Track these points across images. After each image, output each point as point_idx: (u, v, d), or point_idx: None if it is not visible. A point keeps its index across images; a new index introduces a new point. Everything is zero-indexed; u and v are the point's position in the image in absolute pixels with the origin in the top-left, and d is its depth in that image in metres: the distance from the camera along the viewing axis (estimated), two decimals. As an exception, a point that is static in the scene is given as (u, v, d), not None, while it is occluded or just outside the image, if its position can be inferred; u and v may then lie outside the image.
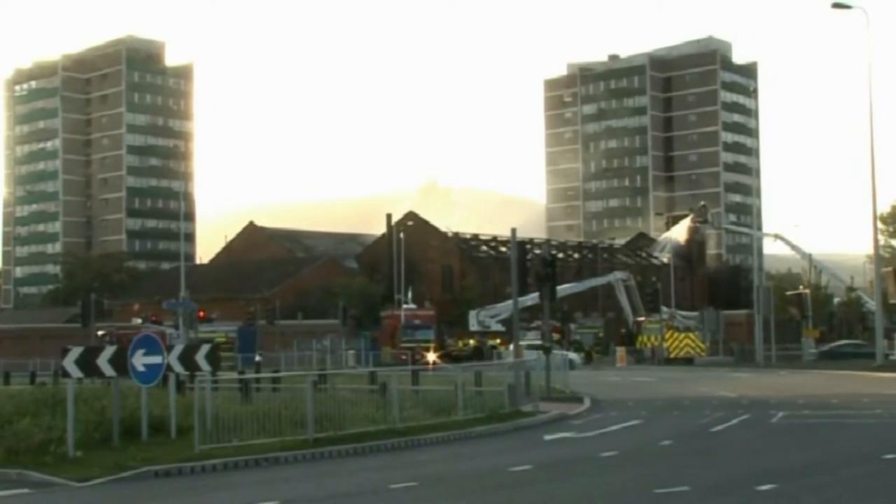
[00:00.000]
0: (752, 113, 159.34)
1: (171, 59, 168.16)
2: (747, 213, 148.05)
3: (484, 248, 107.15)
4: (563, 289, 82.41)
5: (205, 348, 22.14)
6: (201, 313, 57.57)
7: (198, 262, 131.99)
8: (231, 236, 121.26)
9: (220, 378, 25.34)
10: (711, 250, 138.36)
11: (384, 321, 78.89)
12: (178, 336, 52.51)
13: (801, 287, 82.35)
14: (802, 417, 26.44)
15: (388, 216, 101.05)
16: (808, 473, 15.84)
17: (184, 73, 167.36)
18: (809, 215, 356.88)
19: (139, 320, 71.08)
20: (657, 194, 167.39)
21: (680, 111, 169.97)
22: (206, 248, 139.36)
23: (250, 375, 36.37)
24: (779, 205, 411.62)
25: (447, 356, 73.26)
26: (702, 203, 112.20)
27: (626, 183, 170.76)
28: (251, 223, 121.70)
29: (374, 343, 76.50)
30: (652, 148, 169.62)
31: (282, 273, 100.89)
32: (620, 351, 73.51)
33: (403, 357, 66.01)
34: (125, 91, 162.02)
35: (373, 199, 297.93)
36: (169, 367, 21.03)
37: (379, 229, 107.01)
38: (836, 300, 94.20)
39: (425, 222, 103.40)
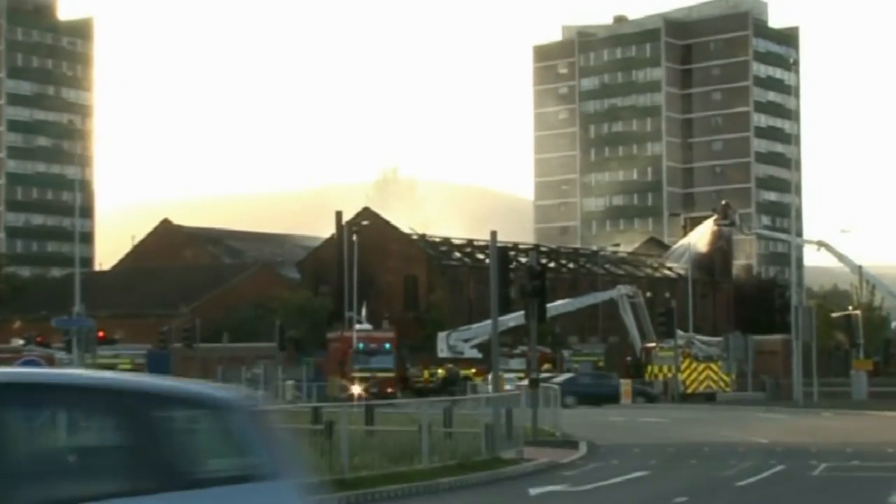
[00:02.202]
0: (791, 91, 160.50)
1: (64, 13, 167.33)
2: (784, 215, 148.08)
3: (457, 254, 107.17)
4: (555, 307, 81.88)
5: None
6: (101, 333, 57.20)
7: (97, 268, 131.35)
8: (140, 237, 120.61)
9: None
10: (739, 260, 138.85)
11: (332, 345, 78.45)
12: (70, 362, 52.14)
13: (850, 307, 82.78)
14: (850, 470, 26.61)
15: (338, 214, 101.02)
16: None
17: (81, 31, 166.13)
18: (861, 218, 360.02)
19: (21, 341, 70.14)
20: (673, 190, 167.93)
21: (702, 87, 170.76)
22: (108, 251, 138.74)
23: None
24: (824, 205, 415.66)
25: (410, 389, 73.52)
26: (723, 202, 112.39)
27: (634, 176, 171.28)
28: (165, 221, 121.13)
29: (318, 372, 76.63)
30: (667, 133, 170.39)
31: (203, 283, 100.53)
32: (625, 384, 73.70)
33: (353, 392, 66.15)
34: (5, 52, 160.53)
35: (319, 192, 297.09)
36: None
37: (326, 230, 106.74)
38: (893, 324, 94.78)
39: (384, 222, 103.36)
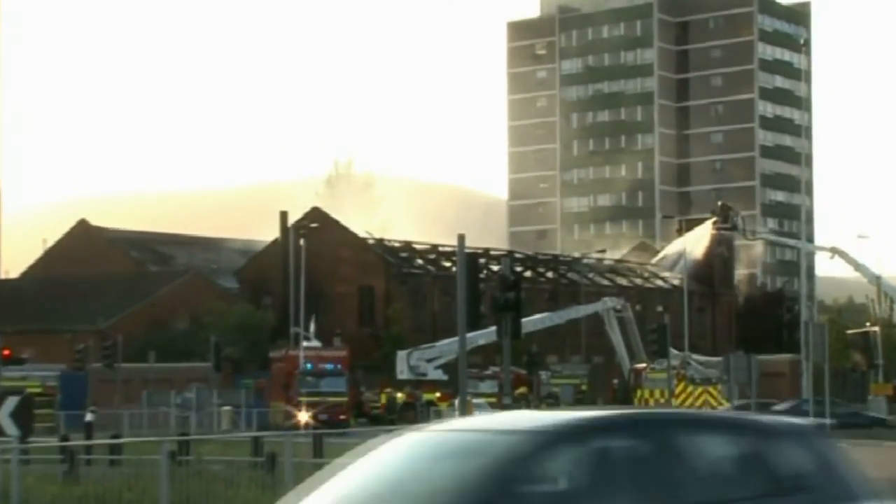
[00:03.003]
0: (801, 75, 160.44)
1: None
2: (793, 218, 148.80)
3: (419, 261, 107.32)
4: (532, 321, 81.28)
5: (10, 402, 21.99)
6: (6, 352, 56.80)
7: (2, 276, 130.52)
8: (52, 241, 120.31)
9: (33, 445, 25.63)
10: (742, 269, 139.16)
11: (275, 365, 77.68)
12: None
13: (867, 323, 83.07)
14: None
15: (283, 215, 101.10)
16: None
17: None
18: (881, 222, 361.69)
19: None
20: (666, 189, 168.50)
21: (701, 71, 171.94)
22: (14, 256, 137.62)
23: (78, 442, 36.66)
24: (838, 207, 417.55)
25: (365, 416, 73.86)
26: (719, 203, 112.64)
27: (623, 172, 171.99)
28: (82, 222, 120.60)
29: (259, 396, 76.77)
30: (660, 123, 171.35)
31: (127, 294, 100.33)
32: (611, 411, 73.95)
33: (299, 419, 66.27)
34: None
35: (261, 189, 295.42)
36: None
37: (269, 233, 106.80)
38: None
39: (336, 224, 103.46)
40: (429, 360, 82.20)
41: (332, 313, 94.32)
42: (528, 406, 64.07)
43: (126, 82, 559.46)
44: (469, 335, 35.91)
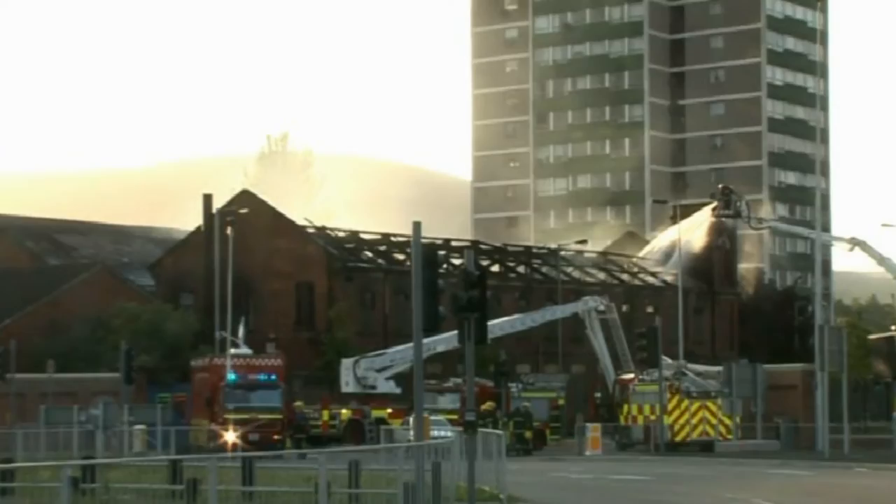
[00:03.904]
0: (816, 36, 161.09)
1: None
2: (806, 204, 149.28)
3: (368, 253, 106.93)
4: (500, 325, 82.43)
5: None
6: None
7: None
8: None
9: None
10: (746, 264, 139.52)
11: (197, 376, 78.28)
12: None
13: (892, 327, 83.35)
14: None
15: (207, 198, 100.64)
16: None
17: None
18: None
19: None
20: (658, 169, 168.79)
21: (698, 31, 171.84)
22: None
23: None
24: (858, 191, 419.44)
25: (303, 436, 72.95)
26: (720, 185, 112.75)
27: (607, 150, 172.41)
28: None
29: (178, 413, 76.88)
30: (651, 92, 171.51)
31: (21, 293, 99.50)
32: (593, 429, 74.01)
33: (226, 440, 66.34)
34: None
35: (180, 169, 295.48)
36: None
37: (190, 221, 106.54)
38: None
39: (270, 210, 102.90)
40: (379, 370, 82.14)
41: (265, 315, 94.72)
42: (495, 424, 63.89)
43: (16, 44, 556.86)
44: (426, 341, 35.93)
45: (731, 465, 59.21)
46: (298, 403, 75.83)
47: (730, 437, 73.56)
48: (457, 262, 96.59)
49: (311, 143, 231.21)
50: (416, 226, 33.98)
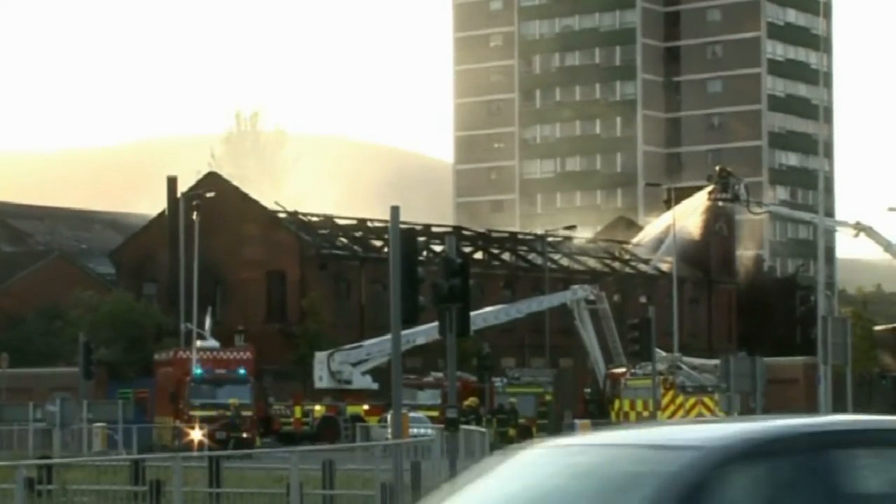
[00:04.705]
0: (819, 9, 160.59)
1: None
2: (809, 187, 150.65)
3: (343, 240, 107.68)
4: (483, 315, 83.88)
5: None
6: None
7: None
8: None
9: None
10: (745, 250, 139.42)
11: (161, 371, 78.91)
12: None
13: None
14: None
15: (171, 181, 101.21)
16: None
17: None
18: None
19: None
20: (650, 150, 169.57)
21: (694, 3, 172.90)
22: None
23: None
24: (864, 173, 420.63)
25: (274, 433, 75.67)
26: (717, 167, 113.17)
27: (597, 129, 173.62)
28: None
29: (141, 410, 77.20)
30: (643, 67, 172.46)
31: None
32: (582, 426, 72.73)
33: (192, 438, 67.42)
34: None
35: (143, 149, 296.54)
36: None
37: (154, 205, 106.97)
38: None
39: (239, 193, 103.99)
40: (354, 364, 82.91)
41: (233, 305, 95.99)
42: (478, 421, 64.69)
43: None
44: (404, 332, 36.92)
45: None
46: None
47: (728, 433, 72.37)
48: (437, 248, 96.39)
49: (282, 122, 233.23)
50: (394, 210, 34.33)
